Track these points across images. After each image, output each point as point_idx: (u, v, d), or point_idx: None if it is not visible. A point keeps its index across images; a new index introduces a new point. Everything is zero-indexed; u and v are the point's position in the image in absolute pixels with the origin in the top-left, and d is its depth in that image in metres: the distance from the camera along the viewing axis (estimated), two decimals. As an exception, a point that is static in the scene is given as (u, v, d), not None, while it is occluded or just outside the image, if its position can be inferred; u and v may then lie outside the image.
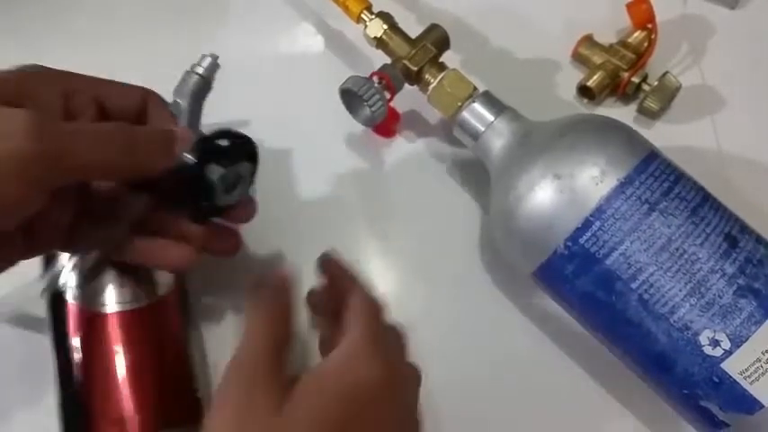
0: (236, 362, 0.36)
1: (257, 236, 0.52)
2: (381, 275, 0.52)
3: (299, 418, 0.34)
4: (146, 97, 0.42)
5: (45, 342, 0.45)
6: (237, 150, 0.42)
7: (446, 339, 0.51)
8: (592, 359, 0.49)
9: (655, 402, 0.45)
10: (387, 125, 0.54)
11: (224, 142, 0.42)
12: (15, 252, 0.38)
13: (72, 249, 0.42)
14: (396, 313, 0.50)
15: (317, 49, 0.59)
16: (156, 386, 0.43)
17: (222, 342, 0.50)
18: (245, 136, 0.42)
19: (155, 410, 0.43)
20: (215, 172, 0.41)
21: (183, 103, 0.42)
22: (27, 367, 0.48)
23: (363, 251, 0.53)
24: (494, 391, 0.50)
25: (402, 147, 0.56)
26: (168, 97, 0.43)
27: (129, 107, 0.41)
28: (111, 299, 0.44)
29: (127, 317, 0.44)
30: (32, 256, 0.40)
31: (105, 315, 0.44)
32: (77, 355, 0.43)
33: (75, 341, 0.43)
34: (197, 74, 0.42)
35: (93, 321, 0.43)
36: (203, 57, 0.42)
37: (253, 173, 0.43)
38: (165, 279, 0.46)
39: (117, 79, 0.42)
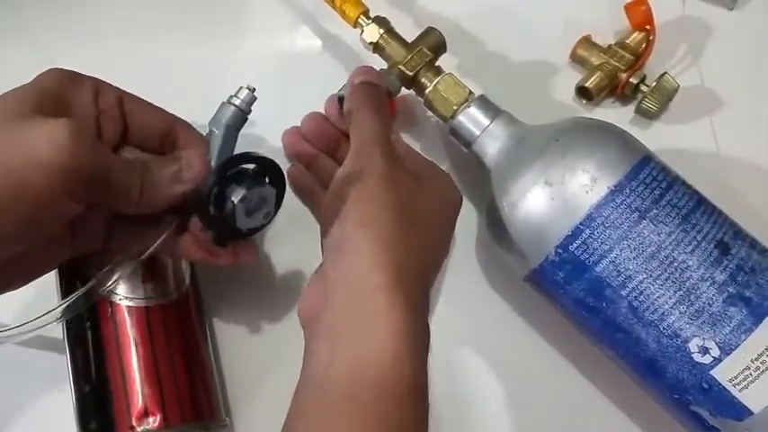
0: (363, 146, 0.41)
1: (259, 236, 0.53)
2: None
3: (432, 188, 0.42)
4: (174, 124, 0.43)
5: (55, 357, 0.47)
6: (261, 173, 0.42)
7: (442, 339, 0.51)
8: (586, 360, 0.49)
9: (648, 403, 0.45)
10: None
11: (247, 165, 0.41)
12: (64, 250, 0.41)
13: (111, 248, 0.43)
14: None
15: (314, 52, 0.59)
16: (177, 383, 0.45)
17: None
18: (270, 159, 0.42)
19: (175, 407, 0.44)
20: (236, 194, 0.40)
21: (218, 132, 0.42)
22: (41, 377, 0.49)
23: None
24: (490, 389, 0.50)
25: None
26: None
27: (152, 129, 0.42)
28: (133, 294, 0.45)
29: (148, 312, 0.45)
30: (77, 252, 0.42)
31: (126, 310, 0.45)
32: (97, 351, 0.44)
33: (95, 336, 0.44)
34: (234, 105, 0.42)
35: (114, 316, 0.44)
36: (240, 88, 0.42)
37: (279, 196, 0.43)
38: (183, 277, 0.48)
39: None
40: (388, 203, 0.38)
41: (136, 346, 0.44)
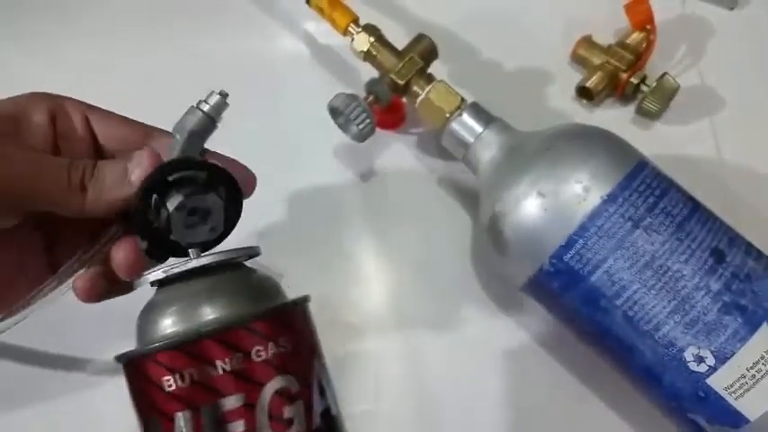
0: None
1: (255, 242, 0.53)
2: (375, 281, 0.53)
3: None
4: (150, 135, 0.40)
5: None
6: (208, 182, 0.36)
7: (440, 343, 0.51)
8: (583, 366, 0.49)
9: (647, 410, 0.45)
10: (387, 121, 0.55)
11: (191, 172, 0.36)
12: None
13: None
14: (390, 318, 0.52)
15: (303, 59, 0.59)
16: None
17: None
18: (222, 168, 0.37)
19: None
20: (172, 201, 0.35)
21: (180, 138, 0.37)
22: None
23: (358, 257, 0.54)
24: (487, 394, 0.50)
25: (396, 155, 0.56)
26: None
27: (126, 142, 0.40)
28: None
29: None
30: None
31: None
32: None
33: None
34: (201, 111, 0.37)
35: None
36: (212, 93, 0.38)
37: (231, 210, 0.37)
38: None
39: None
40: None
41: None
